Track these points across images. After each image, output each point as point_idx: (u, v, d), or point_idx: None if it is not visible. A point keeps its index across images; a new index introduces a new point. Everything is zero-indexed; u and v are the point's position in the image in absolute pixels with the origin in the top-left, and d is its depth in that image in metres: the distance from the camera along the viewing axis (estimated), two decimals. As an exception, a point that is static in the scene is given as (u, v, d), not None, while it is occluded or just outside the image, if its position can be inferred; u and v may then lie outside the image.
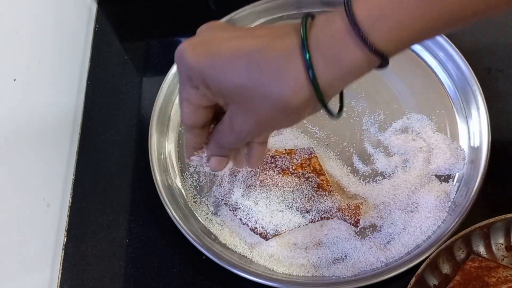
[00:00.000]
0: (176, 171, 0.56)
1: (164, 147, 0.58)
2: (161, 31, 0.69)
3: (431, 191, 0.51)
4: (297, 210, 0.50)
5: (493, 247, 0.47)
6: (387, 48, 0.31)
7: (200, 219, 0.53)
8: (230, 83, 0.33)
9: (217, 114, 0.39)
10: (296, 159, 0.53)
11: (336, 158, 0.55)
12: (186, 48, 0.34)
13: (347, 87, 0.34)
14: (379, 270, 0.47)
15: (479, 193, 0.49)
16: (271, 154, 0.53)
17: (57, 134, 0.60)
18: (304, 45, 0.31)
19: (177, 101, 0.61)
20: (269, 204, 0.50)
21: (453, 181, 0.52)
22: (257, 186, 0.51)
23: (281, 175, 0.52)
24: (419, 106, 0.57)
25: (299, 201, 0.50)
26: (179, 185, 0.55)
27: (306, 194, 0.50)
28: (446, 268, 0.46)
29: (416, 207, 0.51)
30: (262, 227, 0.49)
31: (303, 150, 0.54)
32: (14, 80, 0.51)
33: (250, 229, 0.50)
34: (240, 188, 0.51)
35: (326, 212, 0.49)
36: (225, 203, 0.52)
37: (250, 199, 0.51)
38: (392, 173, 0.53)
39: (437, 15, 0.30)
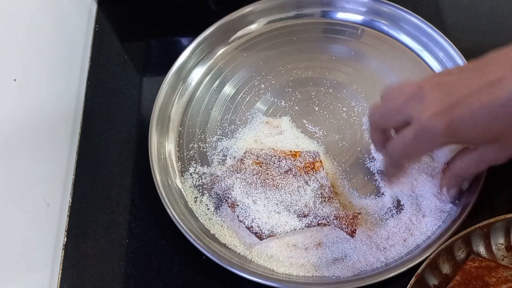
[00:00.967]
0: (176, 171, 0.56)
1: (164, 147, 0.58)
2: (161, 31, 0.69)
3: (432, 191, 0.51)
4: (295, 213, 0.49)
5: (493, 247, 0.47)
6: None
7: (200, 219, 0.53)
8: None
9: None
10: (300, 161, 0.53)
11: (336, 158, 0.55)
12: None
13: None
14: (379, 270, 0.47)
15: (479, 193, 0.49)
16: (275, 154, 0.53)
17: (57, 134, 0.60)
18: None
19: (177, 101, 0.61)
20: (267, 204, 0.50)
21: (453, 181, 0.52)
22: (257, 184, 0.51)
23: (282, 176, 0.52)
24: (419, 106, 0.57)
25: (297, 204, 0.50)
26: (179, 185, 0.55)
27: (305, 198, 0.50)
28: (446, 268, 0.46)
29: (416, 207, 0.51)
30: (258, 227, 0.49)
31: (308, 154, 0.53)
32: (14, 80, 0.51)
33: (246, 227, 0.49)
34: (240, 185, 0.51)
35: (323, 218, 0.49)
36: (224, 199, 0.52)
37: (249, 197, 0.50)
38: (392, 173, 0.53)
39: None
